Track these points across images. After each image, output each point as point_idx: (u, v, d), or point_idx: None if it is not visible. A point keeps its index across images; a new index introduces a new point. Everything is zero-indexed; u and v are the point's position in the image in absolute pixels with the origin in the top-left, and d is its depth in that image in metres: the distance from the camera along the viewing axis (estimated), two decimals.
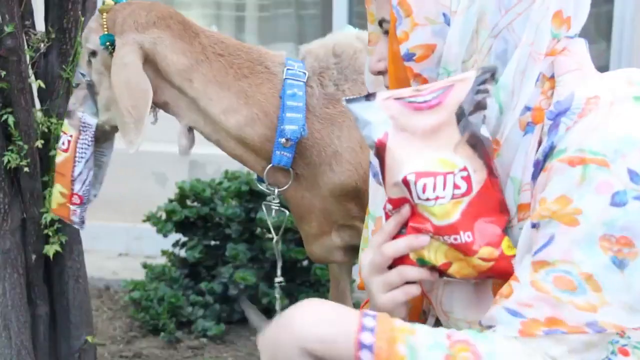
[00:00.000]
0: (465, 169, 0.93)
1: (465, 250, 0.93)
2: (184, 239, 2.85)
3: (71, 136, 1.68)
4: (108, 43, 1.59)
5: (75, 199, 1.70)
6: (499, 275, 0.95)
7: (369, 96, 0.97)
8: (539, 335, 0.88)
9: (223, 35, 1.71)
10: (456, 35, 0.95)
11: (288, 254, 2.63)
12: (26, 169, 1.80)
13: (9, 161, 1.78)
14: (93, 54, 1.64)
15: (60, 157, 1.70)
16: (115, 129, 1.69)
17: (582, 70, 0.97)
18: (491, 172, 0.94)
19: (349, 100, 0.98)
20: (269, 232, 1.84)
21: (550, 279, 0.89)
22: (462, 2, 0.95)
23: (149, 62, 1.60)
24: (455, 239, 0.93)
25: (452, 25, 0.95)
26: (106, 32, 1.60)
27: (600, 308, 0.87)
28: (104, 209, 3.54)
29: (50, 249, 1.87)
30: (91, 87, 1.66)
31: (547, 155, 0.92)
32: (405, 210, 0.96)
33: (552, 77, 0.97)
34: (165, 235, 2.82)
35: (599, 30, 3.35)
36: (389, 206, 0.98)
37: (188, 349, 2.62)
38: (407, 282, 0.98)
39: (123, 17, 1.60)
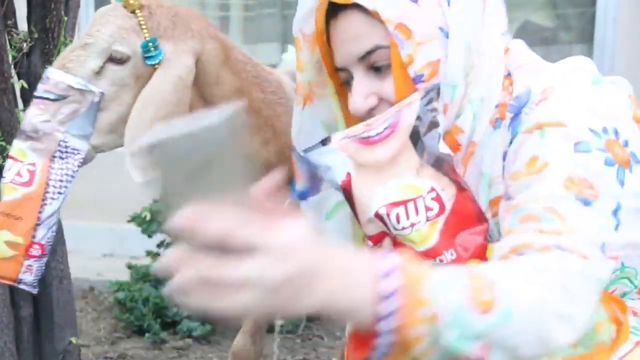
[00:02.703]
0: (433, 189, 0.93)
1: None
2: (168, 239, 2.84)
3: (33, 165, 1.24)
4: (152, 47, 1.29)
5: (35, 250, 1.25)
6: None
7: (324, 141, 0.97)
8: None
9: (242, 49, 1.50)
10: (457, 46, 0.98)
11: None
12: None
13: None
14: (120, 60, 1.29)
15: (15, 194, 1.24)
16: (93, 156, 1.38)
17: (528, 65, 1.01)
18: (459, 186, 0.95)
19: (306, 150, 0.98)
20: None
21: (517, 220, 0.89)
22: (455, 17, 0.98)
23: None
24: (441, 260, 0.93)
25: (451, 38, 0.98)
26: (147, 35, 1.29)
27: (565, 234, 0.85)
28: (88, 210, 3.52)
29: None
30: (99, 101, 1.28)
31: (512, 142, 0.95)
32: (387, 243, 0.96)
33: (509, 74, 1.01)
34: (150, 236, 2.82)
35: (582, 31, 3.38)
36: (370, 243, 0.97)
37: (173, 349, 2.62)
38: None
39: (170, 19, 1.32)
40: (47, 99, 1.26)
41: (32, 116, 1.26)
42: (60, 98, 1.26)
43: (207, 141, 0.63)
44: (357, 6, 0.98)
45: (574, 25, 3.42)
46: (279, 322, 1.86)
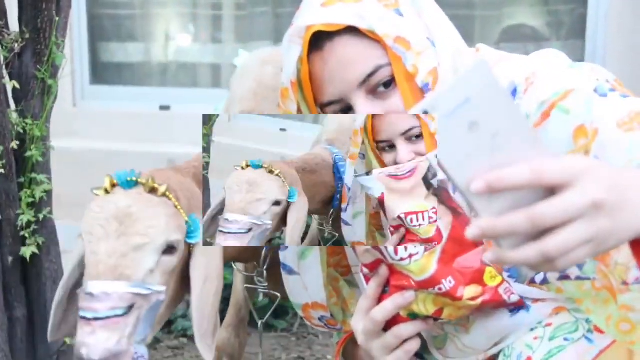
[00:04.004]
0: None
1: (451, 296, 0.96)
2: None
3: None
4: (192, 225, 1.20)
5: None
6: (492, 306, 0.98)
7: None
8: None
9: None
10: (445, 53, 1.00)
11: None
12: (2, 170, 1.78)
13: None
14: (172, 250, 1.15)
15: None
16: None
17: (503, 60, 1.04)
18: (455, 212, 1.01)
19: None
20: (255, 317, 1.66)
21: None
22: (434, 25, 1.01)
23: None
24: (440, 289, 0.96)
25: (438, 46, 1.00)
26: (185, 216, 1.18)
27: None
28: (82, 210, 3.51)
29: (27, 251, 1.85)
30: (163, 299, 1.14)
31: None
32: (383, 270, 0.99)
33: None
34: None
35: (574, 28, 3.39)
36: (366, 270, 1.03)
37: (168, 349, 2.62)
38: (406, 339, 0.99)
39: (179, 187, 1.21)
40: (116, 315, 1.09)
41: (104, 341, 1.07)
42: (128, 310, 1.09)
43: (473, 85, 0.64)
44: (349, 31, 0.97)
45: (566, 22, 3.43)
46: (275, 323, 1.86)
